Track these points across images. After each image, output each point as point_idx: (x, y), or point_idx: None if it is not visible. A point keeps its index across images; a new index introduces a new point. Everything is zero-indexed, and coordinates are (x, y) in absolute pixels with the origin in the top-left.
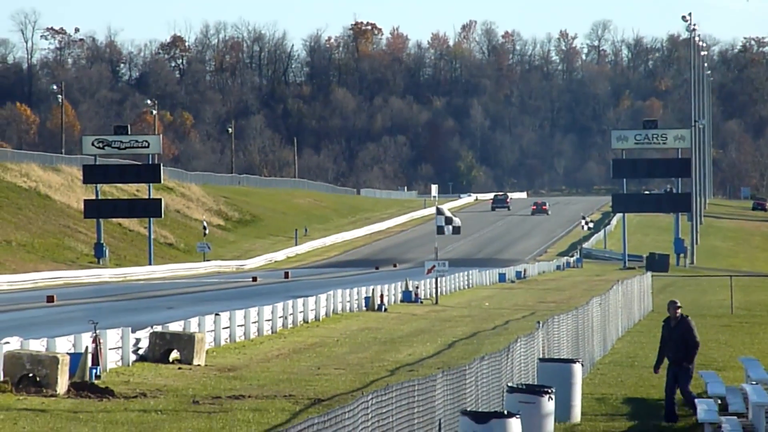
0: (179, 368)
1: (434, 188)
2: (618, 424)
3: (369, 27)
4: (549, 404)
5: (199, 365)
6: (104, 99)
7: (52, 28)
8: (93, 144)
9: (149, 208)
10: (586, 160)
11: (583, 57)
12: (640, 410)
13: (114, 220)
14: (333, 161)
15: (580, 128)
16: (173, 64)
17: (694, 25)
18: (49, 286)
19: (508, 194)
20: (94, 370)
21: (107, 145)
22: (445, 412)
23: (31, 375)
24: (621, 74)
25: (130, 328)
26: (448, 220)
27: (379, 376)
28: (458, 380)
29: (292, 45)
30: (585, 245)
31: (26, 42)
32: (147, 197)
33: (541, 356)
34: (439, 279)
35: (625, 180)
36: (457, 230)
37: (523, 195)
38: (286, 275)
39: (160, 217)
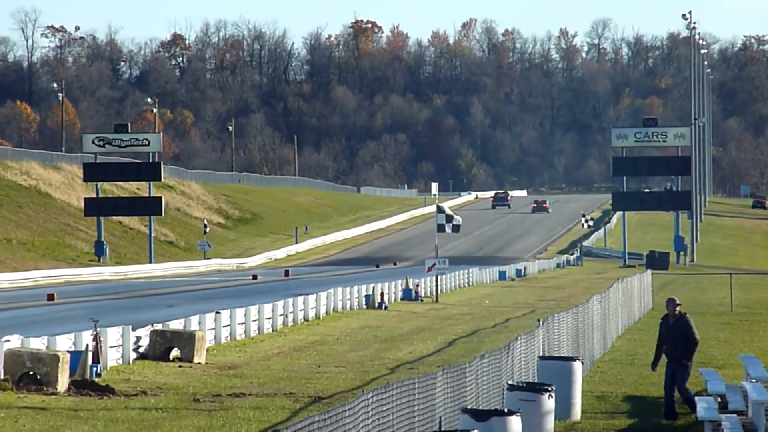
0: (180, 366)
1: (434, 186)
2: (618, 422)
3: (369, 25)
4: (549, 402)
5: (199, 363)
6: (104, 97)
7: (52, 27)
8: (93, 142)
9: (149, 207)
10: (587, 158)
11: (584, 55)
12: (640, 408)
13: (114, 218)
14: (333, 159)
15: (580, 126)
16: (173, 63)
17: (694, 23)
18: (49, 284)
19: (509, 192)
20: (94, 368)
21: (108, 143)
22: (445, 410)
23: (31, 373)
24: (621, 72)
25: (130, 326)
26: (449, 218)
27: (380, 374)
28: (458, 378)
29: (293, 43)
30: (585, 243)
31: (27, 40)
32: (147, 195)
33: (541, 354)
34: (439, 277)
35: (625, 178)
36: (456, 229)
37: (524, 193)
38: (287, 273)
39: (161, 215)
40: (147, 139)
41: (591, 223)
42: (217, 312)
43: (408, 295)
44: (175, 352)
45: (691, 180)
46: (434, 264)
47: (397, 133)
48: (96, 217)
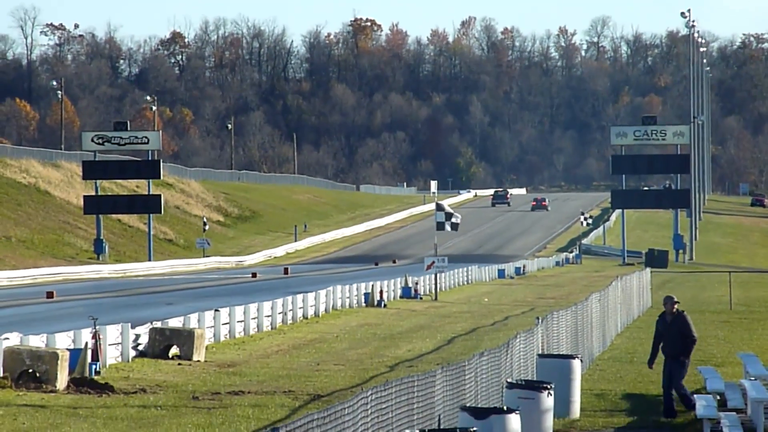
0: (179, 364)
1: (434, 184)
2: (617, 419)
3: (368, 23)
4: (548, 400)
5: (198, 361)
6: (104, 95)
7: (51, 24)
8: (92, 140)
9: (149, 204)
10: (586, 156)
11: (583, 53)
12: (639, 406)
13: (113, 216)
14: (332, 157)
15: (579, 124)
16: (173, 61)
17: (693, 21)
18: (48, 282)
19: (509, 190)
20: (93, 366)
21: (107, 141)
22: (444, 408)
23: (30, 371)
24: (620, 71)
25: (129, 324)
26: (448, 216)
27: (379, 371)
28: (458, 376)
29: (292, 41)
30: (584, 241)
31: (26, 38)
32: (146, 193)
33: (540, 352)
34: (438, 275)
35: (624, 176)
36: (455, 227)
37: (523, 191)
38: (286, 271)
39: (160, 213)
40: (146, 137)
41: (590, 221)
42: (217, 310)
43: (407, 293)
44: (174, 350)
45: (690, 178)
46: (433, 262)
47: (397, 131)
48: (95, 215)
